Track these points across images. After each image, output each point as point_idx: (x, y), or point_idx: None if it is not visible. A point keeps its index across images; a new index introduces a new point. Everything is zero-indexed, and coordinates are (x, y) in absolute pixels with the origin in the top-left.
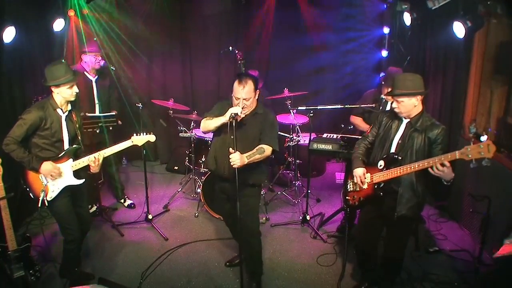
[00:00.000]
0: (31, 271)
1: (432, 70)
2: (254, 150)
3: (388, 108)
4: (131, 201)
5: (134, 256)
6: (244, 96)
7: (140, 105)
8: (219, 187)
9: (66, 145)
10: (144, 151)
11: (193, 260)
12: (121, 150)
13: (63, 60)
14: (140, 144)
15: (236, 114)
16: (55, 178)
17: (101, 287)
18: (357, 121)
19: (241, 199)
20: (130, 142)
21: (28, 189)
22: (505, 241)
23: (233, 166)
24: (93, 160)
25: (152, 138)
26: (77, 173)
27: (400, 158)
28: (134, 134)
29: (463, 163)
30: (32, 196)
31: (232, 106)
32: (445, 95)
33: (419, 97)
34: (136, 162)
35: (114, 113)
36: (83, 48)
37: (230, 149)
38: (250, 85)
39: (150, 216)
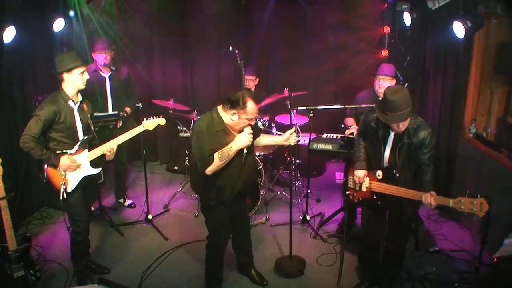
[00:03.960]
0: (31, 271)
1: (432, 70)
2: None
3: None
4: (131, 201)
5: (134, 256)
6: (255, 114)
7: (140, 105)
8: (229, 209)
9: (80, 136)
10: (144, 151)
11: (193, 260)
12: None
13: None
14: (151, 128)
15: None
16: (73, 171)
17: (101, 287)
18: (349, 121)
19: (242, 210)
20: (142, 127)
21: (48, 183)
22: (505, 241)
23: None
24: (108, 149)
25: (162, 121)
26: (93, 162)
27: (397, 175)
28: (145, 119)
29: (464, 162)
30: (52, 190)
31: (216, 121)
32: (445, 95)
33: None
34: (136, 162)
35: (115, 113)
36: (91, 47)
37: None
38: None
39: (150, 216)
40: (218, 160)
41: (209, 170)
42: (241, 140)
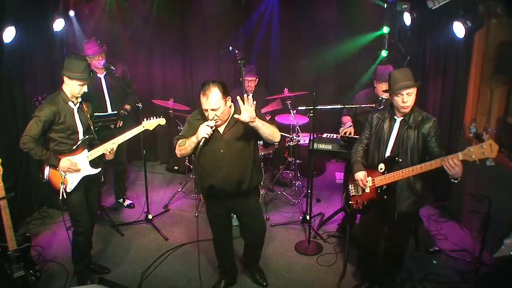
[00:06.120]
0: (31, 271)
1: (432, 70)
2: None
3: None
4: (131, 201)
5: (134, 256)
6: (211, 106)
7: (140, 105)
8: (221, 203)
9: (80, 136)
10: (144, 151)
11: (193, 260)
12: (133, 136)
13: (87, 58)
14: (151, 128)
15: (207, 134)
16: (73, 173)
17: (101, 287)
18: (346, 119)
19: (247, 211)
20: (142, 127)
21: (48, 183)
22: (505, 241)
23: (244, 119)
24: (108, 149)
25: (162, 121)
26: (93, 162)
27: (400, 160)
28: (145, 119)
29: (464, 161)
30: (52, 190)
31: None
32: (445, 95)
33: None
34: (136, 162)
35: (115, 112)
36: (83, 51)
37: (238, 98)
38: (215, 93)
39: (150, 216)
40: (177, 145)
41: (176, 152)
42: (198, 131)
